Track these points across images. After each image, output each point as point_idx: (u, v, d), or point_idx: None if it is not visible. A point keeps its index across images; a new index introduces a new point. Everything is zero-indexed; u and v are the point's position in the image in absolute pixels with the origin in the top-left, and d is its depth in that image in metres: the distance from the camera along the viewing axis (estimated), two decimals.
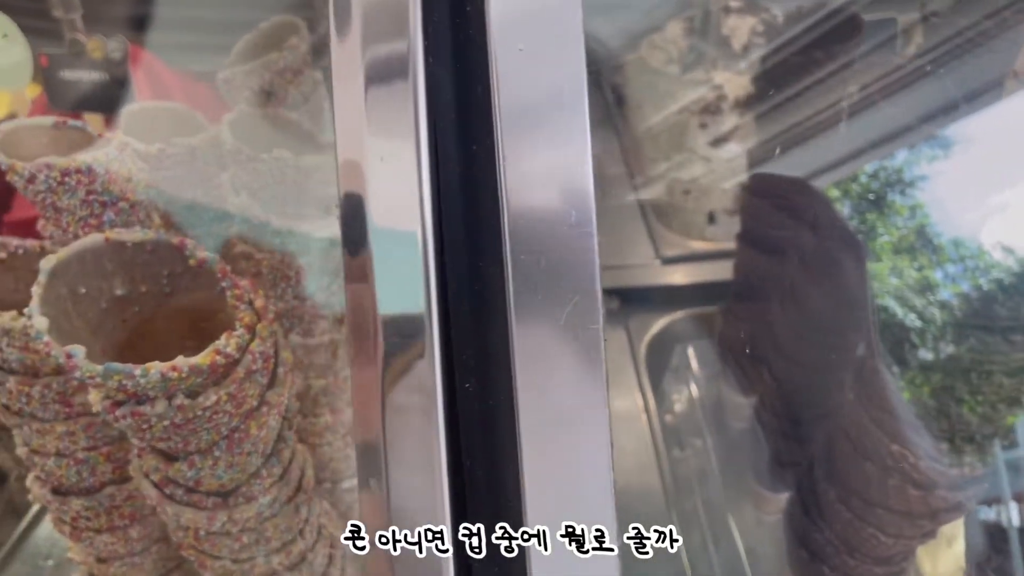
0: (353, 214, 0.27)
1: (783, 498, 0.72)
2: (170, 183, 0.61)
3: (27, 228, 0.59)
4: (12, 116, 1.11)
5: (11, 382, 0.49)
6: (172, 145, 0.59)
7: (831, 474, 0.56)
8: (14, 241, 0.53)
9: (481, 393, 0.29)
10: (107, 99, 1.01)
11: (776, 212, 0.73)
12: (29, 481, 0.58)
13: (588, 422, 0.28)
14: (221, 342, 0.40)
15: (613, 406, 0.86)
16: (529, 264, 0.27)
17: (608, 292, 0.98)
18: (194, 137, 0.60)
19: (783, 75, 0.94)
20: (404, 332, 0.27)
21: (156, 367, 0.38)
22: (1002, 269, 0.70)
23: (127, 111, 0.64)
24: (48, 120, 0.56)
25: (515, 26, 0.26)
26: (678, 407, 0.92)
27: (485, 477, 0.29)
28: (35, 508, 0.84)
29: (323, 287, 0.60)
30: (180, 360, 0.39)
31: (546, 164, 0.27)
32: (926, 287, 0.72)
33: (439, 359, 0.28)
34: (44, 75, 1.04)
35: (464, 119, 0.29)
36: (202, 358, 0.39)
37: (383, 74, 0.27)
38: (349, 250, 0.28)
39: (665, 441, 0.86)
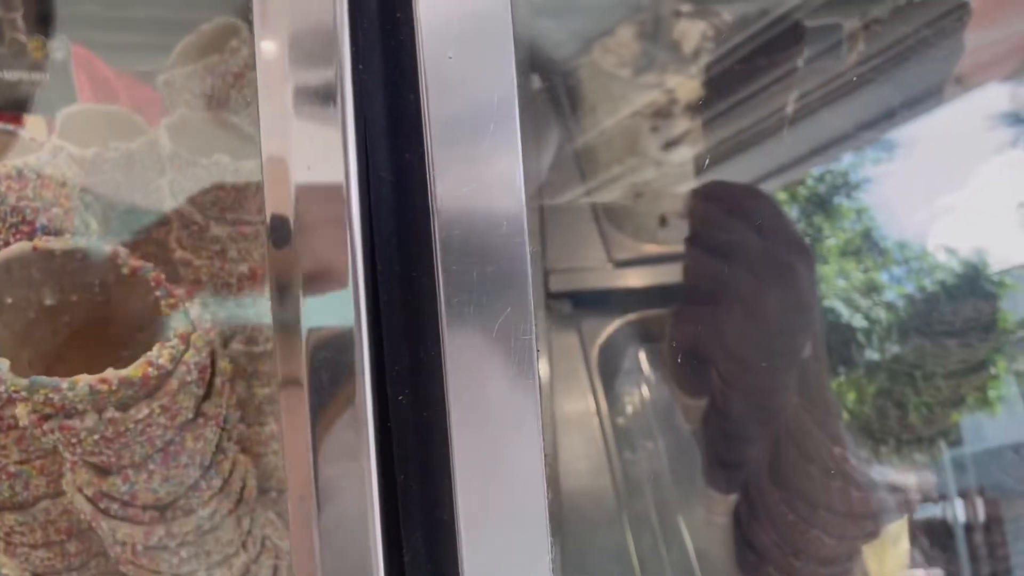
0: (279, 224, 0.27)
1: (733, 500, 0.73)
2: (107, 188, 0.60)
3: None
4: None
5: None
6: (109, 149, 0.58)
7: (775, 476, 0.57)
8: None
9: (415, 405, 0.29)
10: (49, 100, 0.98)
11: (727, 217, 0.73)
12: None
13: (521, 433, 0.28)
14: (153, 353, 0.39)
15: (565, 409, 0.86)
16: (460, 274, 0.26)
17: (560, 296, 0.98)
18: (133, 141, 0.59)
19: (731, 79, 0.95)
20: (332, 346, 0.27)
21: (85, 380, 0.37)
22: (945, 270, 0.72)
23: (64, 114, 0.62)
24: None
25: (445, 33, 0.26)
26: (630, 410, 0.92)
27: (419, 489, 0.29)
28: None
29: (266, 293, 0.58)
30: (110, 372, 0.38)
31: (477, 174, 0.26)
32: (872, 288, 0.73)
33: (368, 372, 0.27)
34: None
35: (396, 128, 0.28)
36: (133, 370, 0.38)
37: (309, 81, 0.26)
38: (275, 262, 0.27)
39: (617, 444, 0.86)
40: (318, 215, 0.27)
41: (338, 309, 0.27)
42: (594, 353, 0.92)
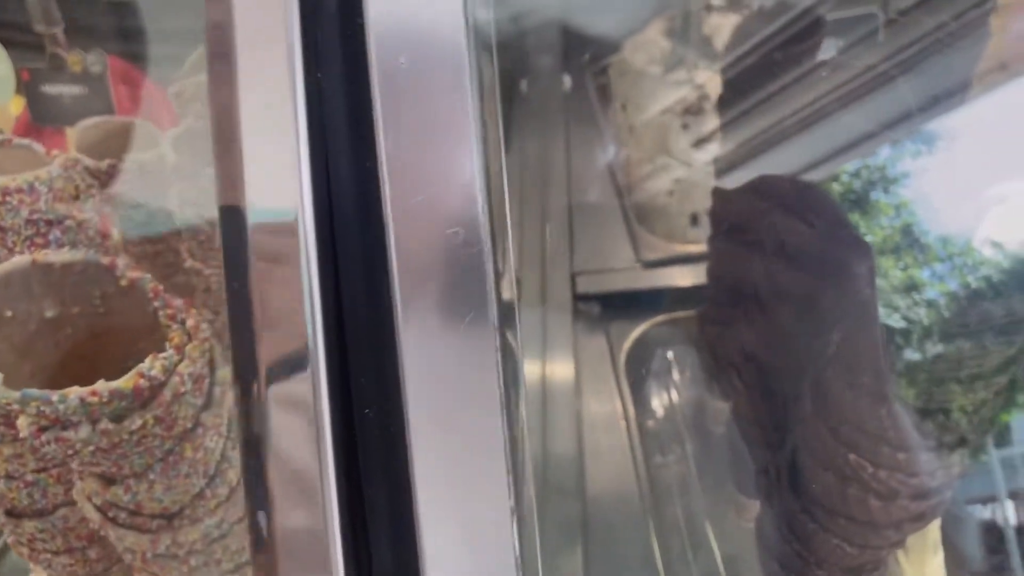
0: (236, 237, 0.26)
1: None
2: (122, 199, 0.61)
3: None
4: None
5: None
6: (123, 161, 0.59)
7: (794, 485, 0.55)
8: None
9: (382, 419, 0.28)
10: (88, 113, 1.01)
11: (779, 214, 0.70)
12: None
13: (483, 446, 0.27)
14: (145, 365, 0.40)
15: (592, 412, 0.85)
16: (416, 285, 0.26)
17: (587, 297, 0.97)
18: (145, 153, 0.59)
19: (762, 73, 0.92)
20: (289, 362, 0.26)
21: (75, 392, 0.38)
22: (992, 265, 0.69)
23: (81, 127, 0.63)
24: None
25: (396, 38, 0.25)
26: (659, 413, 0.91)
27: (387, 504, 0.28)
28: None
29: None
30: (100, 384, 0.38)
31: (431, 180, 0.26)
32: (911, 287, 0.70)
33: (326, 388, 0.27)
34: (26, 90, 1.04)
35: (357, 136, 0.28)
36: (124, 382, 0.39)
37: (263, 88, 0.26)
38: (230, 276, 0.27)
39: (645, 447, 0.85)
40: (272, 245, 0.26)
41: (293, 322, 0.26)
42: (622, 356, 0.90)
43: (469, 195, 0.26)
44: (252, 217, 0.26)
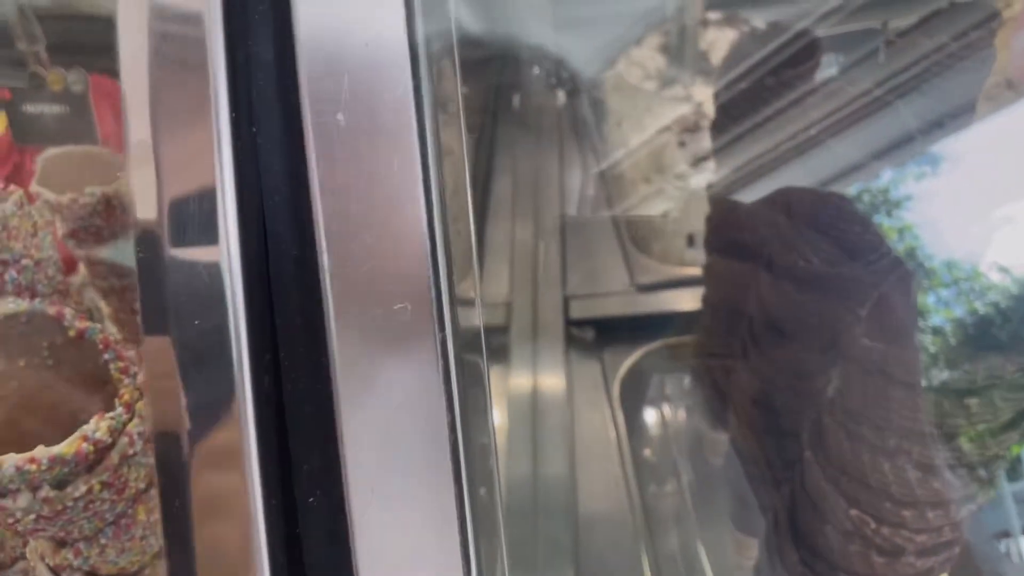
0: (158, 322, 0.24)
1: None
2: (86, 234, 0.58)
3: None
4: None
5: None
6: (84, 195, 0.56)
7: (794, 533, 0.52)
8: None
9: (328, 508, 0.26)
10: (69, 132, 0.99)
11: (806, 230, 0.66)
12: None
13: (437, 518, 0.24)
14: (90, 427, 0.37)
15: (585, 439, 0.82)
16: (358, 366, 0.23)
17: (581, 323, 0.94)
18: (109, 185, 0.57)
19: (761, 93, 0.90)
20: (218, 447, 0.24)
21: (11, 460, 0.35)
22: (999, 290, 0.66)
23: (43, 157, 0.60)
24: None
25: (333, 92, 0.23)
26: (655, 442, 0.88)
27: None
28: None
29: None
30: (40, 450, 0.35)
31: (374, 250, 0.23)
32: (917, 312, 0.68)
33: (257, 478, 0.24)
34: (7, 109, 1.02)
35: (296, 193, 0.25)
36: (65, 447, 0.36)
37: (183, 147, 0.23)
38: (145, 317, 0.24)
39: (640, 477, 0.82)
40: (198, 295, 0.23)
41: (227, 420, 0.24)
42: (616, 383, 0.87)
43: (418, 266, 0.23)
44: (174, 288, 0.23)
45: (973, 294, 0.67)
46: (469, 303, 0.31)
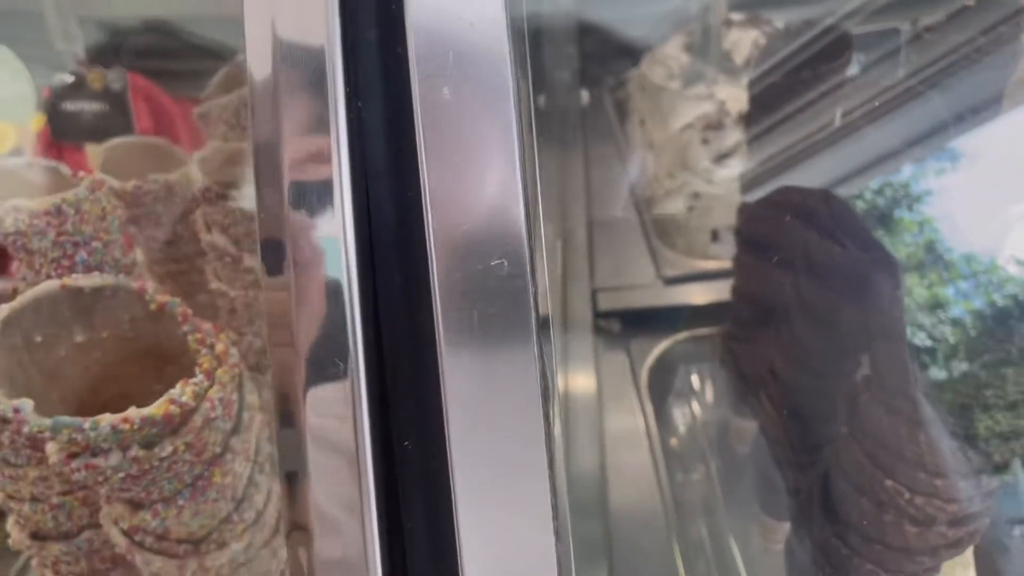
0: (276, 265, 0.26)
1: (789, 527, 0.70)
2: (148, 220, 0.61)
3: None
4: (17, 149, 1.12)
5: None
6: (148, 182, 0.59)
7: (827, 509, 0.54)
8: None
9: (421, 452, 0.28)
10: (108, 130, 1.01)
11: (801, 226, 0.69)
12: (9, 526, 0.57)
13: (528, 482, 0.26)
14: (176, 391, 0.39)
15: (613, 431, 0.84)
16: (460, 320, 0.25)
17: (608, 315, 0.96)
18: (171, 174, 0.59)
19: (783, 89, 0.92)
20: (328, 395, 0.26)
21: (107, 419, 0.37)
22: (1018, 283, 0.68)
23: (106, 147, 0.63)
24: (22, 161, 0.55)
25: (439, 68, 0.25)
26: (682, 431, 0.90)
27: (427, 536, 0.28)
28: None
29: None
30: (132, 411, 0.38)
31: (475, 212, 0.25)
32: (936, 305, 0.69)
33: (367, 419, 0.26)
34: (47, 107, 1.05)
35: (398, 167, 0.28)
36: (155, 409, 0.38)
37: (301, 117, 0.26)
38: (271, 311, 0.26)
39: (668, 466, 0.84)
40: (311, 258, 0.26)
41: (336, 350, 0.26)
42: (644, 373, 0.90)
43: (514, 226, 0.25)
44: (292, 248, 0.26)
45: (992, 287, 0.69)
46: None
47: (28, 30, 1.08)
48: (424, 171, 0.25)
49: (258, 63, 0.26)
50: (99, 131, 1.00)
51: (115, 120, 1.03)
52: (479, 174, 0.25)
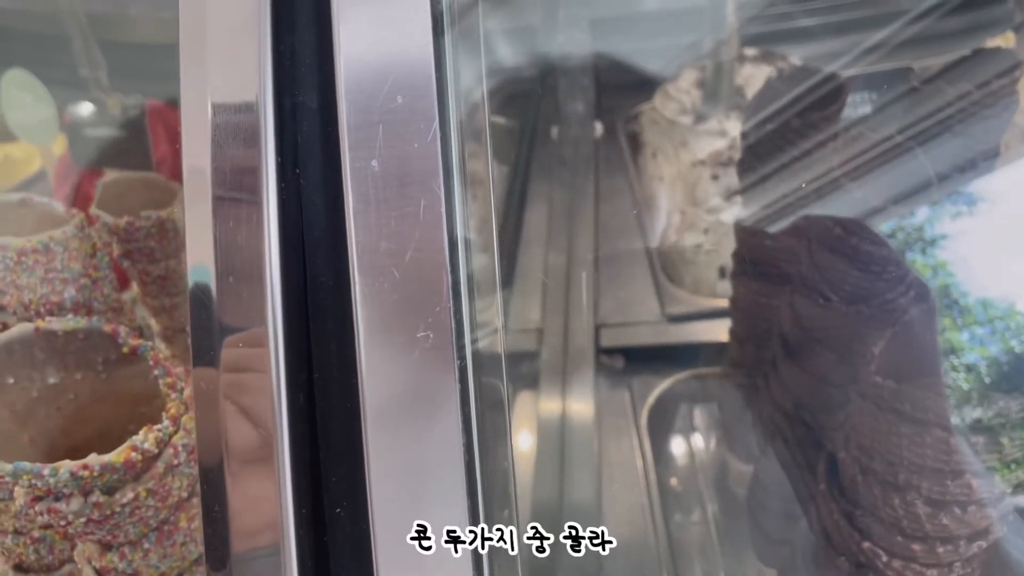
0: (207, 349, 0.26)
1: None
2: (141, 255, 0.61)
3: None
4: (41, 171, 1.14)
5: None
6: (140, 218, 0.59)
7: (811, 567, 0.53)
8: None
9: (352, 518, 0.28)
10: (125, 154, 1.03)
11: (827, 256, 0.67)
12: None
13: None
14: (139, 437, 0.40)
15: (612, 467, 0.83)
16: (385, 388, 0.25)
17: (611, 351, 0.96)
18: (164, 209, 0.60)
19: (786, 133, 0.91)
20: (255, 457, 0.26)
21: (66, 466, 0.38)
22: None
23: (102, 182, 0.64)
24: (15, 197, 0.56)
25: (367, 139, 0.25)
26: (681, 471, 0.89)
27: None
28: None
29: None
30: (92, 458, 0.38)
31: (402, 285, 0.25)
32: (950, 350, 0.68)
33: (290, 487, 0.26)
34: (68, 132, 1.07)
35: (335, 233, 0.28)
36: (116, 455, 0.39)
37: (232, 190, 0.26)
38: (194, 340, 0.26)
39: (666, 506, 0.83)
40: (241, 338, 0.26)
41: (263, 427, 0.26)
42: (644, 411, 0.89)
43: (440, 300, 0.25)
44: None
45: (1009, 333, 0.67)
46: (494, 331, 0.33)
47: (53, 52, 1.10)
48: (351, 241, 0.25)
49: (193, 128, 0.26)
50: (118, 156, 1.02)
51: (132, 145, 1.05)
52: (405, 246, 0.25)
